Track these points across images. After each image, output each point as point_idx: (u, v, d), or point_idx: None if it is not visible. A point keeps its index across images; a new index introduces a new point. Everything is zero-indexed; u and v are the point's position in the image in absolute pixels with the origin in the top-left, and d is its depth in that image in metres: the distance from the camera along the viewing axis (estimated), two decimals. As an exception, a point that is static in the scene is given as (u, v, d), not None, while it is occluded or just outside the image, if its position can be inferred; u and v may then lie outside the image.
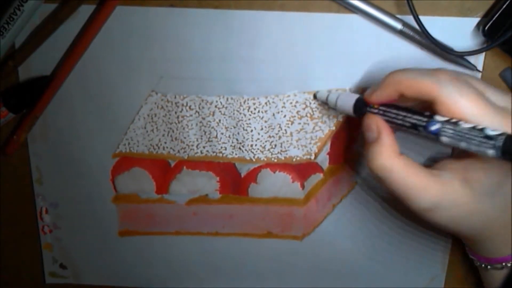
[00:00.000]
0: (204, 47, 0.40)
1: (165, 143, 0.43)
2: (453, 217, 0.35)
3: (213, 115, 0.42)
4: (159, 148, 0.43)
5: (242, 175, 0.44)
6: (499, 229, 0.35)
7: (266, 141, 0.42)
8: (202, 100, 0.41)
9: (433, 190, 0.34)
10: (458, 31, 0.38)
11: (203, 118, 0.42)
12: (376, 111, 0.35)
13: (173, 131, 0.43)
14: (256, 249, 0.46)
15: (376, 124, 0.35)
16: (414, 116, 0.33)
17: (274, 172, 0.43)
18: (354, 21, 0.39)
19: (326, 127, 0.42)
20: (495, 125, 0.31)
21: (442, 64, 0.39)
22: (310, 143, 0.42)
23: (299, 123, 0.42)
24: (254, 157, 0.43)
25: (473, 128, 0.31)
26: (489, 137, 0.30)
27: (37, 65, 0.41)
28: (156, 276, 0.48)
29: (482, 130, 0.30)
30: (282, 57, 0.40)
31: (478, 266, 0.39)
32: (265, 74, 0.40)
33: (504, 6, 0.36)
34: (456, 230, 0.36)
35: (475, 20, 0.38)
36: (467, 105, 0.32)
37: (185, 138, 0.43)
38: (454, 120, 0.32)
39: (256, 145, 0.42)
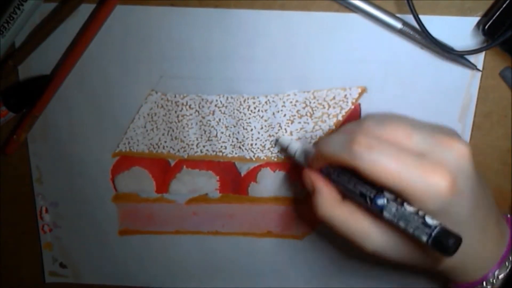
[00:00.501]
0: (204, 46, 0.40)
1: (165, 142, 0.43)
2: (406, 255, 0.35)
3: (213, 114, 0.42)
4: (159, 147, 0.43)
5: (242, 174, 0.44)
6: (463, 254, 0.33)
7: (266, 140, 0.42)
8: (202, 99, 0.41)
9: (376, 236, 0.34)
10: (458, 30, 0.38)
11: (203, 117, 0.42)
12: (331, 171, 0.36)
13: (173, 130, 0.43)
14: (256, 248, 0.46)
15: (309, 178, 0.37)
16: (365, 185, 0.34)
17: (274, 171, 0.43)
18: (354, 21, 0.39)
19: (326, 126, 0.42)
20: (415, 184, 0.31)
21: (442, 63, 0.39)
22: (310, 143, 0.42)
23: (299, 122, 0.42)
24: (254, 156, 0.43)
25: (416, 213, 0.31)
26: (426, 225, 0.31)
27: (37, 65, 0.41)
28: (155, 275, 0.48)
29: (422, 217, 0.31)
30: (282, 56, 0.40)
31: None
32: (265, 73, 0.40)
33: (504, 6, 0.36)
34: (418, 267, 0.36)
35: (475, 20, 0.38)
36: (383, 173, 0.32)
37: (185, 137, 0.43)
38: (400, 201, 0.32)
39: (256, 144, 0.42)
